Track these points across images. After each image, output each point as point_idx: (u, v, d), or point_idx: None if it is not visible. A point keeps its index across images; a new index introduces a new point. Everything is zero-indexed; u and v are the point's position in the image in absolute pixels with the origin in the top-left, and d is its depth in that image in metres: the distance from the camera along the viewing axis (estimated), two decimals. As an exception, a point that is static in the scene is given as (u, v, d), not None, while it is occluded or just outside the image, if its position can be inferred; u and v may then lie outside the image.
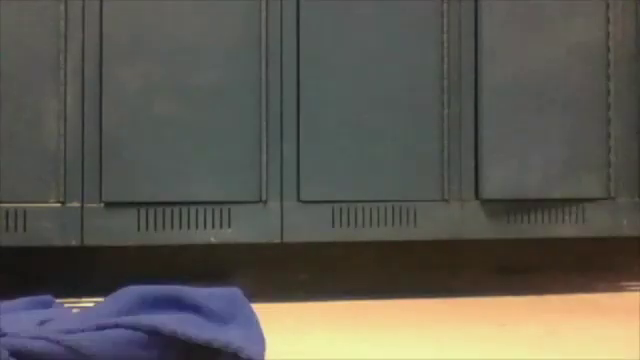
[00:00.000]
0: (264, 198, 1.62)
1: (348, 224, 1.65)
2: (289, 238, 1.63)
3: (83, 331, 0.91)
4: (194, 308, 0.99)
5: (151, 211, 1.59)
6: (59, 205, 1.56)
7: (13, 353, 0.85)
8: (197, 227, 1.60)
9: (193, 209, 1.60)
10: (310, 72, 1.64)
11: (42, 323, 0.98)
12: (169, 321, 0.92)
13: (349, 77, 1.66)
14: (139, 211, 1.58)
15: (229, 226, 1.61)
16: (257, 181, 1.61)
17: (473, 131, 1.71)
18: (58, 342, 0.88)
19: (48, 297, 1.10)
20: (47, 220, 1.55)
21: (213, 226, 1.60)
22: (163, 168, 1.59)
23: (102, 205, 1.57)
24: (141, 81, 1.59)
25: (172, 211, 1.59)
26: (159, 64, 1.59)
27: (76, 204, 1.57)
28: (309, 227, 1.64)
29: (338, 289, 1.74)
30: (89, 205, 1.57)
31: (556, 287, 1.77)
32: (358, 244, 1.71)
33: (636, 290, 1.79)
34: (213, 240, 1.61)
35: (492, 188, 1.70)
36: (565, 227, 1.74)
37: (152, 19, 1.60)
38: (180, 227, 1.59)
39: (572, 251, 1.89)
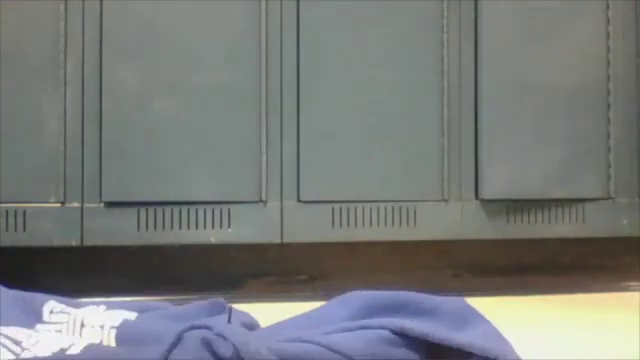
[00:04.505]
0: (264, 198, 1.62)
1: (348, 224, 1.65)
2: (289, 238, 1.63)
3: (328, 334, 0.92)
4: (427, 313, 0.97)
5: (151, 211, 1.59)
6: (59, 205, 1.56)
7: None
8: (197, 227, 1.60)
9: (193, 209, 1.60)
10: (310, 72, 1.64)
11: (251, 329, 0.98)
12: (417, 324, 0.92)
13: (349, 77, 1.66)
14: (139, 211, 1.58)
15: (229, 226, 1.61)
16: (257, 181, 1.61)
17: (473, 131, 1.71)
18: (316, 343, 0.88)
19: (221, 300, 1.08)
20: (47, 220, 1.55)
21: (213, 226, 1.60)
22: (163, 168, 1.59)
23: (102, 205, 1.57)
24: (141, 81, 1.59)
25: (172, 211, 1.59)
26: (159, 64, 1.59)
27: (76, 204, 1.56)
28: (309, 227, 1.64)
29: (338, 289, 1.74)
30: (89, 205, 1.57)
31: (556, 287, 1.77)
32: (358, 244, 1.71)
33: (636, 290, 1.79)
34: (213, 240, 1.61)
35: (492, 188, 1.70)
36: (565, 227, 1.74)
37: (152, 19, 1.60)
38: (180, 227, 1.59)
39: (572, 251, 1.89)
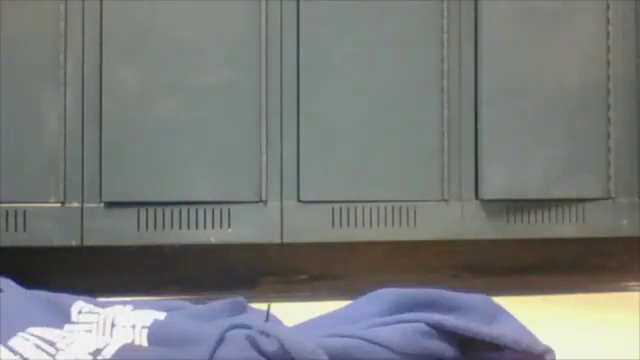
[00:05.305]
0: (264, 198, 1.62)
1: (348, 224, 1.65)
2: (289, 238, 1.63)
3: (366, 328, 0.93)
4: (456, 309, 0.99)
5: (151, 211, 1.59)
6: (59, 205, 1.56)
7: None
8: (197, 227, 1.60)
9: (193, 209, 1.60)
10: (310, 72, 1.64)
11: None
12: (451, 318, 0.94)
13: (349, 77, 1.66)
14: (139, 211, 1.58)
15: (229, 226, 1.61)
16: (257, 181, 1.61)
17: (473, 131, 1.71)
18: (357, 337, 0.89)
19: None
20: (47, 220, 1.55)
21: (213, 226, 1.60)
22: (163, 168, 1.59)
23: (102, 205, 1.57)
24: (141, 81, 1.59)
25: (172, 211, 1.59)
26: (159, 64, 1.59)
27: (76, 204, 1.57)
28: (309, 227, 1.64)
29: (338, 289, 1.74)
30: (89, 205, 1.57)
31: (556, 287, 1.77)
32: (358, 244, 1.71)
33: (636, 290, 1.79)
34: (213, 240, 1.61)
35: (492, 188, 1.70)
36: (565, 227, 1.74)
37: (152, 19, 1.60)
38: (180, 227, 1.59)
39: (572, 251, 1.89)
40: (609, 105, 1.75)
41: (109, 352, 0.87)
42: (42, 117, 1.56)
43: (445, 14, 1.69)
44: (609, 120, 1.75)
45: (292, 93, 1.64)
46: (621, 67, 1.76)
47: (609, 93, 1.75)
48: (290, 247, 1.69)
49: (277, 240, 1.63)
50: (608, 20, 1.76)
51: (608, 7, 1.76)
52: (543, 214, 1.73)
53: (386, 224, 1.66)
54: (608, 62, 1.75)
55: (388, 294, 1.01)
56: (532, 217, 1.72)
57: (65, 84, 1.57)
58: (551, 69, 1.73)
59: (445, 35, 1.69)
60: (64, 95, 1.57)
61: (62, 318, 1.00)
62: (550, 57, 1.73)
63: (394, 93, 1.67)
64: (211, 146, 1.60)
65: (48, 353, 0.87)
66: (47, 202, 1.55)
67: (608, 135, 1.75)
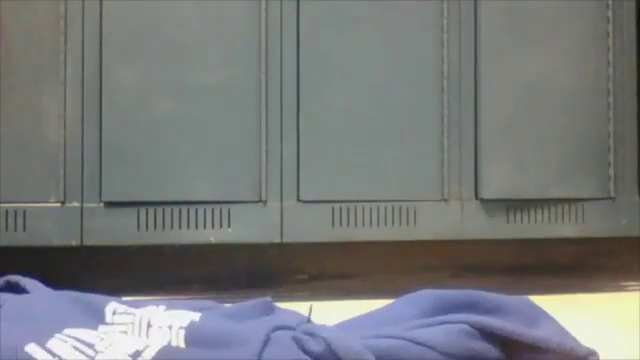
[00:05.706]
0: (264, 198, 1.62)
1: (348, 224, 1.65)
2: (289, 238, 1.63)
3: (409, 329, 0.94)
4: (496, 311, 0.99)
5: (151, 211, 1.59)
6: (59, 205, 1.56)
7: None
8: (197, 227, 1.60)
9: (193, 209, 1.60)
10: (310, 72, 1.64)
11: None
12: (495, 320, 0.95)
13: (349, 77, 1.66)
14: (139, 211, 1.58)
15: (229, 226, 1.61)
16: (257, 181, 1.61)
17: (473, 131, 1.71)
18: (400, 337, 0.90)
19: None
20: (47, 220, 1.55)
21: (213, 226, 1.60)
22: (163, 168, 1.59)
23: (102, 205, 1.57)
24: (141, 81, 1.59)
25: (172, 211, 1.59)
26: (159, 64, 1.59)
27: (76, 204, 1.57)
28: (309, 227, 1.64)
29: (338, 289, 1.74)
30: (89, 205, 1.57)
31: (556, 287, 1.77)
32: (358, 244, 1.71)
33: (636, 290, 1.79)
34: (213, 240, 1.61)
35: (492, 188, 1.70)
36: (564, 227, 1.74)
37: (152, 19, 1.60)
38: (180, 227, 1.59)
39: (572, 251, 1.89)
40: (609, 105, 1.75)
41: (149, 354, 0.87)
42: (42, 117, 1.56)
43: (445, 14, 1.69)
44: (609, 120, 1.75)
45: (292, 93, 1.64)
46: (621, 67, 1.76)
47: (609, 93, 1.75)
48: (290, 247, 1.69)
49: (277, 240, 1.63)
50: (608, 20, 1.76)
51: (608, 7, 1.76)
52: (543, 214, 1.73)
53: (386, 224, 1.66)
54: (608, 62, 1.76)
55: (427, 295, 1.01)
56: (532, 217, 1.72)
57: (65, 84, 1.57)
58: (551, 69, 1.73)
59: (445, 35, 1.69)
60: (64, 95, 1.56)
61: (96, 319, 0.99)
62: (550, 57, 1.73)
63: (394, 93, 1.67)
64: (211, 146, 1.60)
65: (87, 355, 0.86)
66: (47, 202, 1.55)
67: (608, 135, 1.75)
